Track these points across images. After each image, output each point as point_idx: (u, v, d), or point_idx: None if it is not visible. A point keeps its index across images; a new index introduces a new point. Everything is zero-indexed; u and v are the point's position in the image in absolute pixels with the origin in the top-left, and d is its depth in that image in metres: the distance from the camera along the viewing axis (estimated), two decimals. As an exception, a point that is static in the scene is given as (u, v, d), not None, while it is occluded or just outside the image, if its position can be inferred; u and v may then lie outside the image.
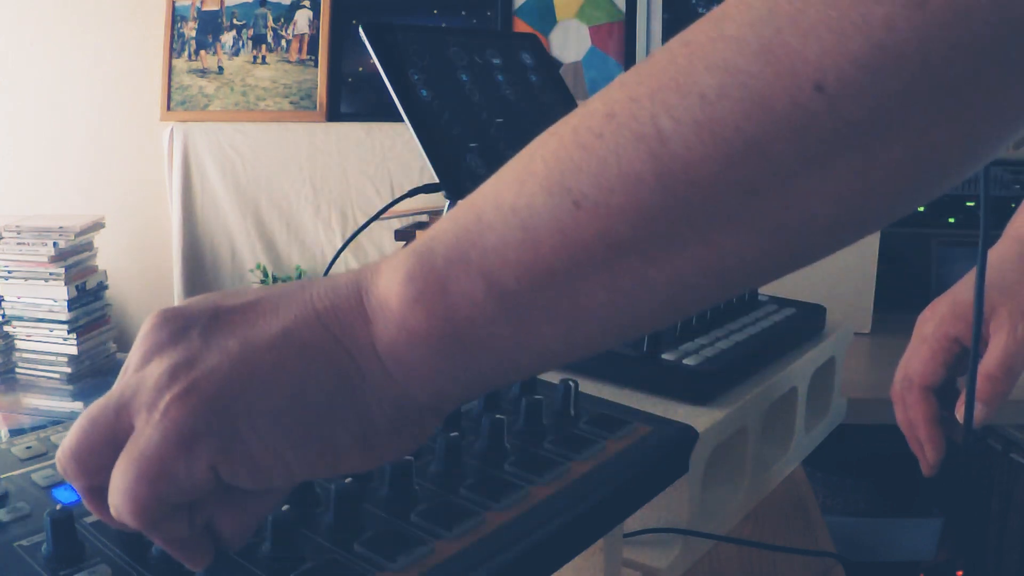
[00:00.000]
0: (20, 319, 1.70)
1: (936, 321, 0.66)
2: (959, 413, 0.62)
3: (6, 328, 1.71)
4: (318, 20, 1.83)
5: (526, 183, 0.28)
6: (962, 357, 0.65)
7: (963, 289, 0.66)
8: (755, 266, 0.28)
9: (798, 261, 0.28)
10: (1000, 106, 0.24)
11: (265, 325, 0.30)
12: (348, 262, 1.65)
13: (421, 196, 0.73)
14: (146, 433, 0.29)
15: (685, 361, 0.57)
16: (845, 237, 0.28)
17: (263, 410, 0.29)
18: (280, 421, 0.29)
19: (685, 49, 0.26)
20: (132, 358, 0.31)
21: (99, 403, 0.31)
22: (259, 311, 0.31)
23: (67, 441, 0.31)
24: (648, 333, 0.28)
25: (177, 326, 0.31)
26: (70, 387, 1.69)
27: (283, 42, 1.84)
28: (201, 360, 0.29)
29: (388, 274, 0.30)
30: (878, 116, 0.24)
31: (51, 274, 1.66)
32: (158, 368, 0.30)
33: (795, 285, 0.85)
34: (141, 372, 0.30)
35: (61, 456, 0.31)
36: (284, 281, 1.75)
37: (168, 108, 1.84)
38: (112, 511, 0.30)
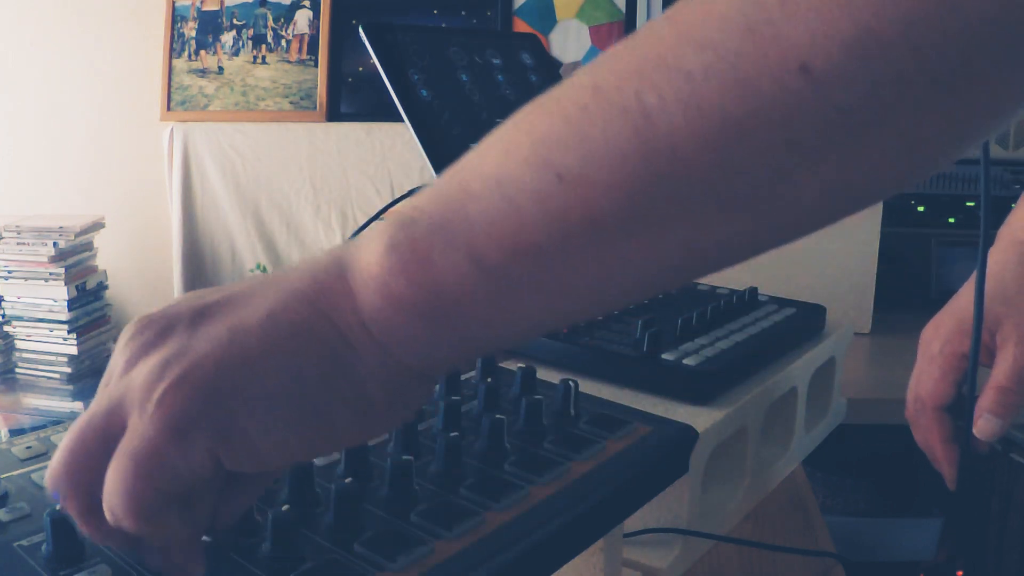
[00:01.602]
0: (20, 319, 1.70)
1: (942, 339, 0.66)
2: (977, 428, 0.62)
3: (6, 328, 1.71)
4: (318, 20, 1.83)
5: (510, 155, 0.28)
6: None
7: (965, 304, 0.65)
8: (740, 245, 0.28)
9: (783, 240, 0.28)
10: (993, 94, 0.24)
11: (251, 311, 0.30)
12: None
13: (421, 196, 0.73)
14: (140, 427, 0.29)
15: (685, 361, 0.57)
16: (831, 217, 0.28)
17: (258, 393, 0.29)
18: (276, 402, 0.29)
19: (672, 26, 0.26)
20: (116, 365, 0.31)
21: (85, 415, 0.30)
22: (242, 300, 0.31)
23: (56, 459, 0.30)
24: (632, 304, 0.28)
25: (161, 326, 0.30)
26: (70, 387, 1.69)
27: (283, 42, 1.84)
28: (191, 350, 0.29)
29: (370, 246, 0.30)
30: (866, 102, 0.24)
31: (51, 274, 1.66)
32: (147, 366, 0.29)
33: (795, 285, 0.86)
34: (128, 375, 0.30)
35: (52, 476, 0.30)
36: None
37: (168, 108, 1.84)
38: (108, 515, 0.29)
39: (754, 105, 0.24)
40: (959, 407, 0.65)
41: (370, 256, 0.30)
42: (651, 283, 0.29)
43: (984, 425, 0.61)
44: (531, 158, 0.27)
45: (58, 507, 0.35)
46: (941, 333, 0.66)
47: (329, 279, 0.30)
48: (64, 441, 0.30)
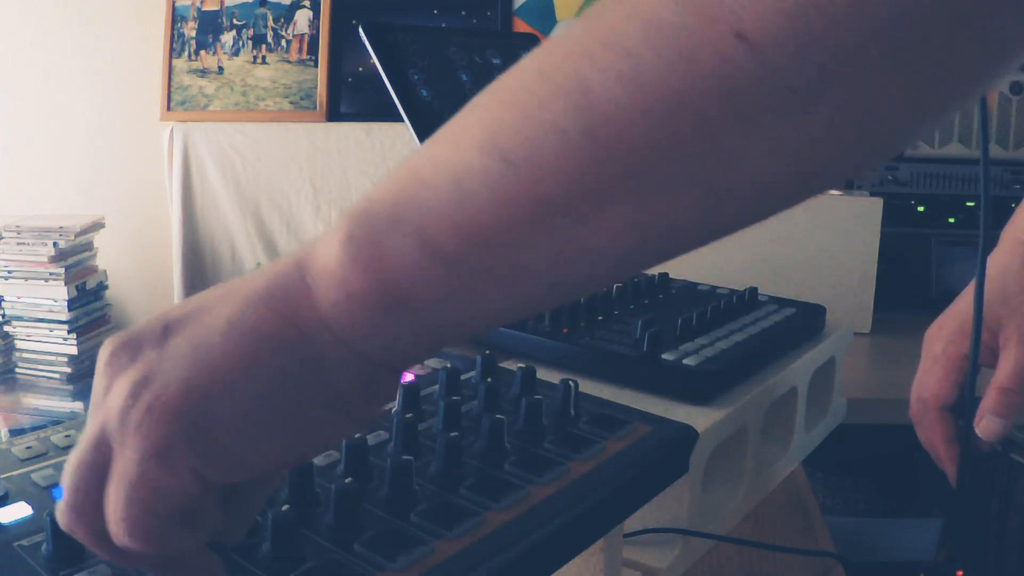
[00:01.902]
0: (20, 319, 1.70)
1: (945, 341, 0.66)
2: (979, 428, 0.62)
3: (6, 328, 1.71)
4: (318, 20, 1.83)
5: (460, 142, 0.28)
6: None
7: (967, 305, 0.65)
8: (694, 227, 0.27)
9: (740, 221, 0.28)
10: (950, 67, 0.23)
11: (212, 322, 0.30)
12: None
13: (421, 196, 0.73)
14: (124, 456, 0.29)
15: (685, 361, 0.57)
16: (788, 198, 0.27)
17: (228, 405, 0.29)
18: (248, 411, 0.29)
19: (617, 5, 0.26)
20: (97, 390, 0.31)
21: (77, 448, 0.30)
22: (205, 311, 0.30)
23: (62, 498, 0.31)
24: (592, 293, 0.27)
25: (132, 348, 0.30)
26: (70, 387, 1.69)
27: (283, 42, 1.84)
28: (159, 371, 0.29)
29: (327, 243, 0.29)
30: (809, 71, 0.23)
31: (51, 274, 1.66)
32: (120, 391, 0.29)
33: (795, 285, 0.86)
34: (106, 401, 0.30)
35: (61, 516, 0.31)
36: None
37: (168, 108, 1.84)
38: (117, 542, 0.30)
39: (695, 77, 0.24)
40: (962, 407, 0.65)
41: (327, 253, 0.29)
42: (608, 267, 0.29)
43: (987, 426, 0.61)
44: (479, 143, 0.27)
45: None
46: (944, 334, 0.66)
47: (288, 280, 0.30)
48: (64, 481, 0.30)
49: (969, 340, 0.62)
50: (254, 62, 1.84)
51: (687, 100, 0.24)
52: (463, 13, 1.82)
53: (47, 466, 0.43)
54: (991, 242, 0.66)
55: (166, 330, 0.30)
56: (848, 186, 1.64)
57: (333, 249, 0.29)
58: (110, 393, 0.30)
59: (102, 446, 0.30)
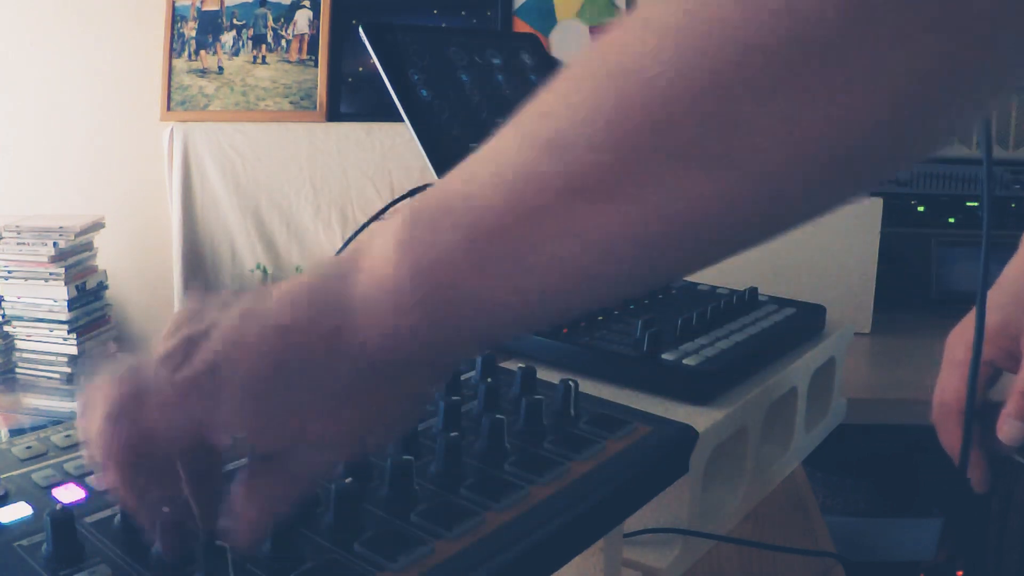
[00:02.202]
0: (20, 319, 1.70)
1: (966, 345, 0.66)
2: (1000, 432, 0.62)
3: (6, 328, 1.71)
4: (318, 20, 1.83)
5: (505, 135, 0.29)
6: (996, 378, 0.65)
7: (989, 311, 0.65)
8: (725, 218, 0.27)
9: (777, 215, 0.27)
10: (985, 37, 0.22)
11: (270, 299, 0.32)
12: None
13: (421, 196, 0.73)
14: (154, 377, 0.31)
15: (685, 361, 0.57)
16: (831, 188, 0.26)
17: (242, 368, 0.30)
18: (252, 376, 0.30)
19: None
20: (177, 318, 0.33)
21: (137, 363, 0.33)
22: (275, 288, 0.32)
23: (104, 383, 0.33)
24: (627, 296, 0.27)
25: (212, 301, 0.33)
26: (70, 387, 1.69)
27: (283, 42, 1.84)
28: (217, 326, 0.31)
29: (383, 233, 0.31)
30: (831, 33, 0.22)
31: (51, 274, 1.66)
32: (185, 333, 0.32)
33: (795, 285, 0.86)
34: (174, 337, 0.32)
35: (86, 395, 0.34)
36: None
37: (168, 108, 1.84)
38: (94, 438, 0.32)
39: (725, 48, 0.24)
40: (984, 412, 0.65)
41: (382, 241, 0.30)
42: (639, 263, 0.28)
43: (1008, 430, 0.61)
44: (520, 130, 0.28)
45: (58, 507, 0.36)
46: (965, 339, 0.66)
47: (339, 274, 0.31)
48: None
49: (992, 345, 0.62)
50: (254, 62, 1.84)
51: (709, 69, 0.24)
52: (463, 13, 1.82)
53: (47, 466, 0.43)
54: (995, 242, 0.66)
55: (242, 294, 0.33)
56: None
57: (388, 238, 0.30)
58: (179, 331, 0.32)
59: (140, 374, 0.32)
